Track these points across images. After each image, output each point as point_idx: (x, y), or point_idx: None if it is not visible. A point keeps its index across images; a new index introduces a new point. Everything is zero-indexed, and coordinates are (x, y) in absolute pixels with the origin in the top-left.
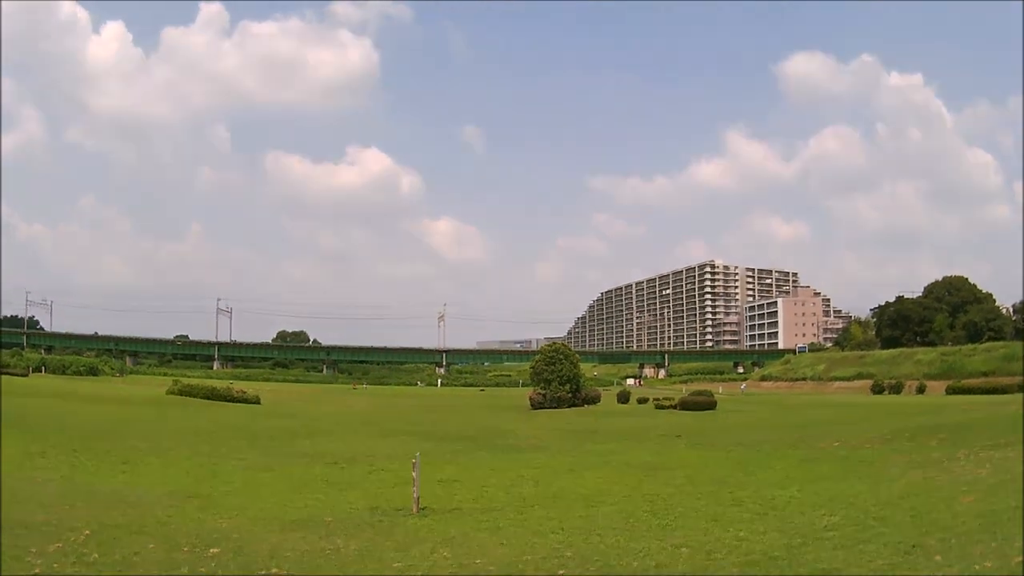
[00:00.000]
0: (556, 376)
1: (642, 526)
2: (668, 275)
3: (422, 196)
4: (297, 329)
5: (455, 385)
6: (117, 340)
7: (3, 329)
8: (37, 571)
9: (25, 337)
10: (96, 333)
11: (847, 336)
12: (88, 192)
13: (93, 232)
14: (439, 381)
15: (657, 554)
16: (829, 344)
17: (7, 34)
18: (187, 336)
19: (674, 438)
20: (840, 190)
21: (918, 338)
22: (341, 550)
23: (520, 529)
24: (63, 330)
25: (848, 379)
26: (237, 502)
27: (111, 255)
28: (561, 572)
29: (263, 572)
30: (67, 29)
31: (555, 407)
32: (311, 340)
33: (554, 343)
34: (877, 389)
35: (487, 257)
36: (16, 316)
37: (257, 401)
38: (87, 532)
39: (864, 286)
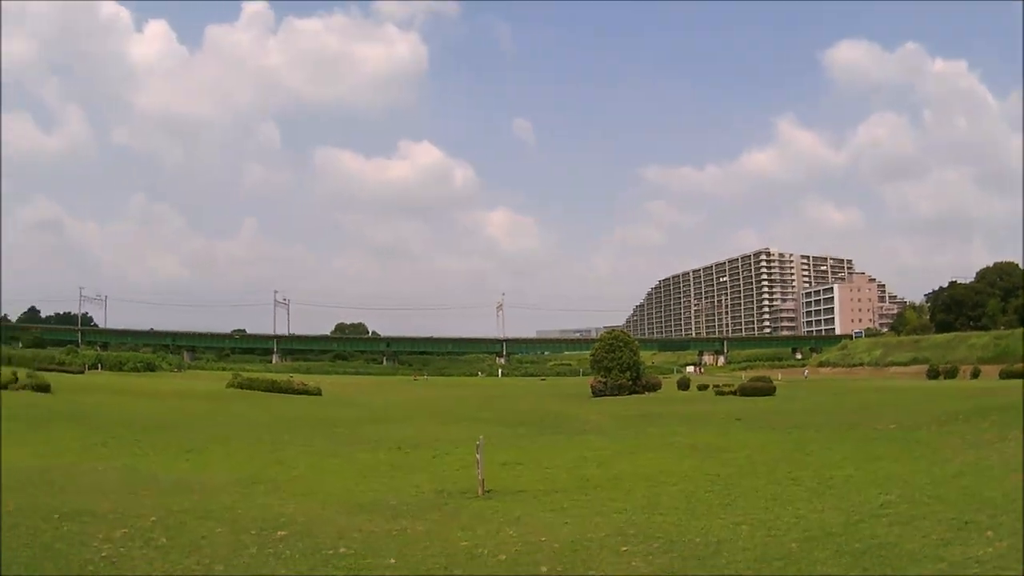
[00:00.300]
0: (616, 364)
1: (703, 505)
2: (724, 263)
3: (476, 188)
4: (356, 321)
5: (515, 375)
6: (174, 335)
7: (57, 327)
8: (104, 554)
9: (80, 334)
10: (152, 329)
11: (902, 321)
12: (138, 190)
13: (145, 230)
14: (500, 371)
15: (718, 531)
16: (885, 329)
17: (48, 35)
18: (244, 331)
19: (734, 421)
20: (890, 177)
21: (971, 322)
22: (408, 531)
23: (583, 509)
24: (118, 327)
25: (904, 364)
26: (303, 487)
27: (164, 252)
28: (624, 549)
29: (331, 552)
30: (109, 29)
31: (616, 394)
32: (370, 332)
33: (613, 330)
34: (932, 374)
35: (543, 248)
36: (69, 313)
37: (318, 392)
38: (153, 518)
39: (917, 272)
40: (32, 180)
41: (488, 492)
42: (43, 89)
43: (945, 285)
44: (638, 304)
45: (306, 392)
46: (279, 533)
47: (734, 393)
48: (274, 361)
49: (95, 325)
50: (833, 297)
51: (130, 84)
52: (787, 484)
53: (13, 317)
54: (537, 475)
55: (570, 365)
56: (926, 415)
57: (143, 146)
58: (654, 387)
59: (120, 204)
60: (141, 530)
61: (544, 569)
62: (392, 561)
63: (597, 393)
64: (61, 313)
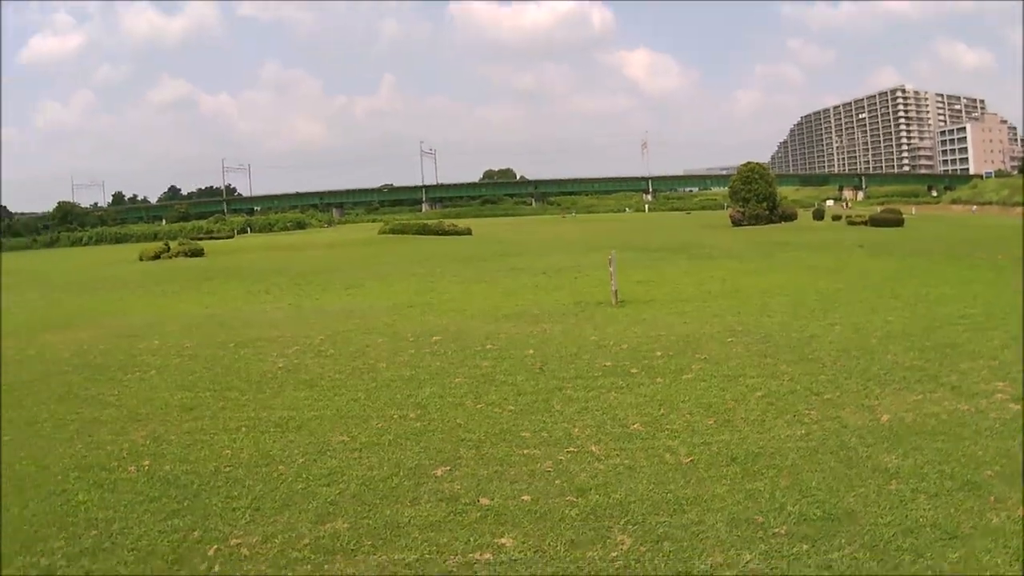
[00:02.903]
0: (753, 194)
1: (806, 311)
2: (863, 99)
3: (613, 28)
4: (503, 167)
5: (662, 210)
6: (321, 194)
7: (201, 200)
8: (280, 364)
9: (225, 204)
10: (297, 192)
11: None
12: (271, 58)
13: (280, 96)
14: (646, 207)
15: (813, 329)
16: (1015, 173)
17: None
18: (392, 184)
19: (857, 248)
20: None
21: None
22: (546, 331)
23: (702, 313)
24: (263, 194)
25: None
26: (454, 306)
27: (301, 116)
28: (730, 340)
29: (478, 348)
30: None
31: (753, 224)
32: (518, 177)
33: (749, 163)
34: None
35: (685, 87)
36: (211, 187)
37: (468, 232)
38: (321, 337)
39: None
40: (157, 63)
41: (621, 302)
42: None
43: None
44: (781, 141)
45: (456, 232)
46: (434, 338)
47: (864, 223)
48: (424, 210)
49: (239, 194)
50: (966, 137)
51: None
52: (887, 299)
53: (152, 198)
54: (666, 289)
55: (715, 200)
56: None
57: (270, 17)
58: (790, 217)
59: (252, 74)
60: (311, 346)
61: (659, 354)
62: (530, 352)
63: (736, 223)
64: (203, 188)
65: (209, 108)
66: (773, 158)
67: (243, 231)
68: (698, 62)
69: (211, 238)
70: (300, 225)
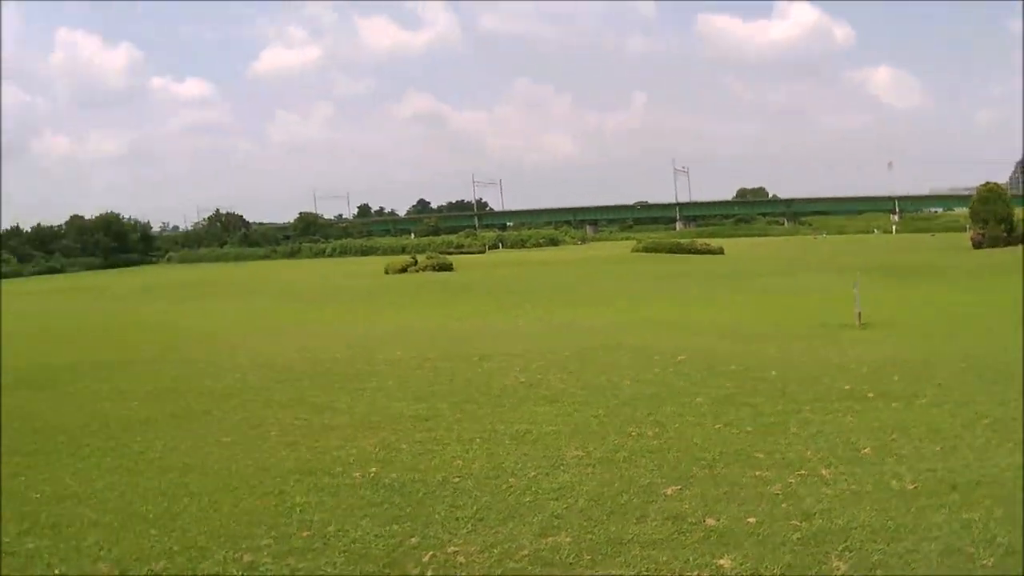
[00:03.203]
0: (992, 215)
1: None
2: None
3: (854, 44)
4: (756, 186)
5: (907, 231)
6: (574, 211)
7: (451, 214)
8: (523, 379)
9: (476, 219)
10: (550, 208)
11: None
12: (519, 75)
13: (531, 112)
14: (893, 228)
15: None
16: None
17: None
18: (646, 201)
19: None
20: None
21: None
22: (790, 352)
23: (938, 337)
24: (514, 208)
25: None
26: (702, 325)
27: (552, 131)
28: (963, 364)
29: (722, 368)
30: None
31: (993, 246)
32: (770, 195)
33: (988, 183)
34: None
35: (928, 103)
36: (462, 201)
37: (720, 252)
38: (567, 352)
39: None
40: (400, 77)
41: (864, 324)
42: None
43: None
44: (1018, 160)
45: (709, 252)
46: (679, 357)
47: None
48: (677, 228)
49: (490, 209)
50: None
51: None
52: None
53: (400, 211)
54: (908, 313)
55: (957, 221)
56: None
57: (514, 31)
58: None
59: (500, 89)
60: (556, 361)
61: (896, 378)
62: (773, 372)
63: (976, 245)
64: (453, 202)
65: (457, 123)
66: (1011, 178)
67: (494, 246)
68: (936, 78)
69: (461, 252)
70: (553, 241)
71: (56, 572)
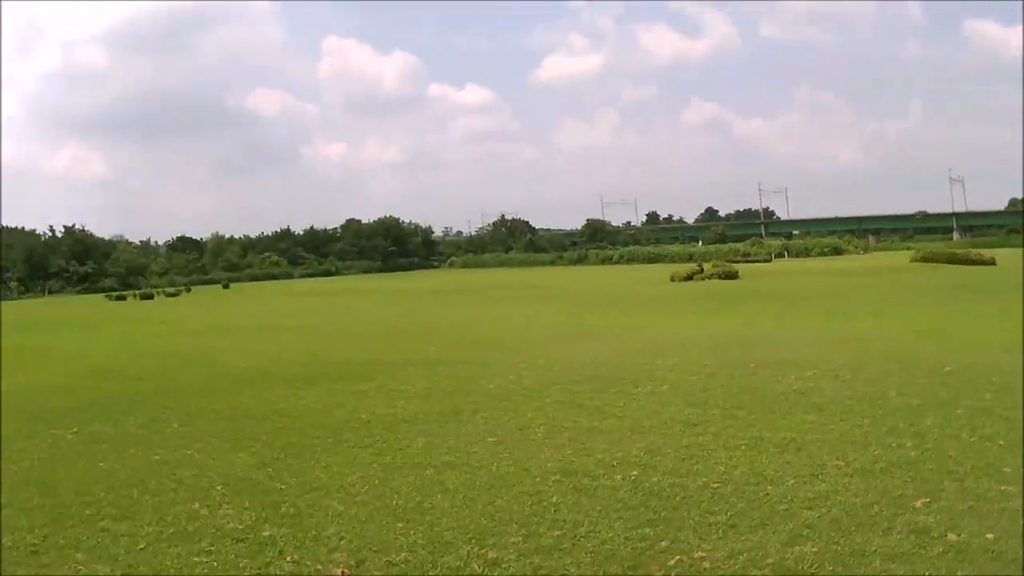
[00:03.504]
0: None
1: None
2: None
3: None
4: None
5: None
6: (859, 220)
7: (737, 223)
8: (795, 387)
9: (763, 227)
10: (835, 217)
11: None
12: (799, 81)
13: (813, 119)
14: None
15: None
16: None
17: None
18: (926, 211)
19: None
20: None
21: None
22: None
23: None
24: (801, 217)
25: None
26: (968, 336)
27: (835, 139)
28: None
29: (984, 380)
30: None
31: None
32: None
33: None
34: None
35: None
36: (749, 209)
37: (992, 262)
38: (841, 361)
39: None
40: (684, 84)
41: None
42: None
43: None
44: None
45: (981, 262)
46: (946, 368)
47: None
48: (954, 238)
49: (777, 217)
50: None
51: None
52: None
53: (689, 219)
54: None
55: None
56: None
57: (792, 37)
58: None
59: (783, 96)
60: (829, 370)
61: None
62: None
63: None
64: (741, 210)
65: (740, 129)
66: None
67: (780, 255)
68: None
69: (747, 261)
70: (837, 251)
71: (288, 559)
